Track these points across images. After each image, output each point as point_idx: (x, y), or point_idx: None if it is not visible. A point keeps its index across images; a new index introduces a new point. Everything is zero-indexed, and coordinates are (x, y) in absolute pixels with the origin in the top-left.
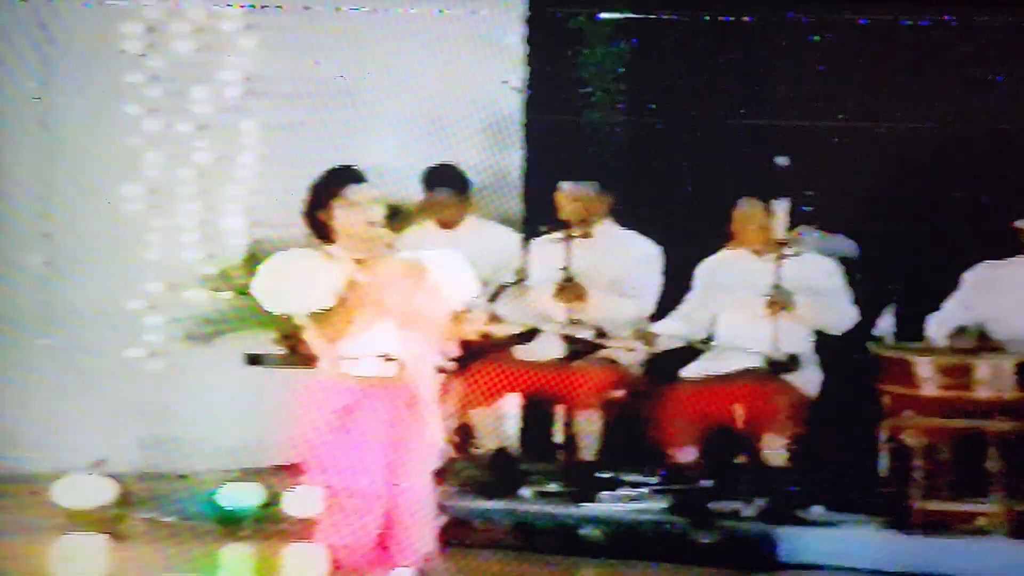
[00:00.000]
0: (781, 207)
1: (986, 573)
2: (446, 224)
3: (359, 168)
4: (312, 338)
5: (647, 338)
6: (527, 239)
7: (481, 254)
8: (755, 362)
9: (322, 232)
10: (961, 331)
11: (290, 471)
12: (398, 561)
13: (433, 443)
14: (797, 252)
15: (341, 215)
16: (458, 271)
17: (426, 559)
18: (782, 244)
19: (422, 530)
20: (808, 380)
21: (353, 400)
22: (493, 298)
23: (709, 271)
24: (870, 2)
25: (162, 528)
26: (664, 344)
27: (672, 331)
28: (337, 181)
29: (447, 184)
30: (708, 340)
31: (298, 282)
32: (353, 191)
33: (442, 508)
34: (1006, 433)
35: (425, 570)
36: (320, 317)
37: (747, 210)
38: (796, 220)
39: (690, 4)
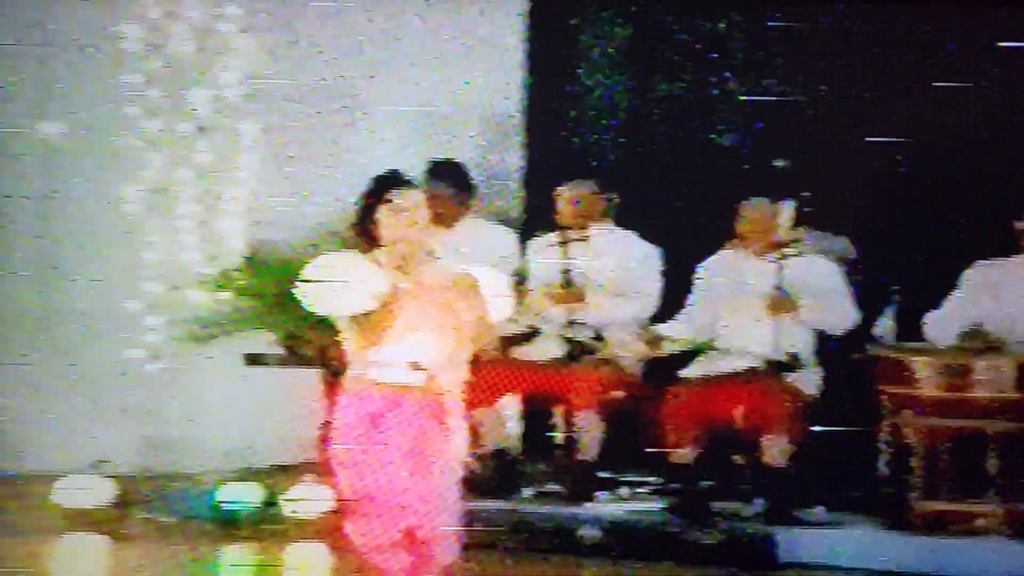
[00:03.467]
0: (784, 207)
1: (986, 573)
2: (444, 222)
3: (405, 173)
4: (348, 342)
5: (654, 342)
6: (526, 240)
7: (478, 254)
8: (755, 362)
9: (368, 237)
10: (961, 331)
11: (291, 471)
12: (423, 568)
13: (458, 453)
14: (798, 252)
15: (385, 220)
16: (496, 289)
17: (450, 566)
18: (783, 244)
19: (447, 538)
20: (808, 380)
21: (381, 407)
22: None
23: (709, 271)
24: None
25: (162, 528)
26: (669, 348)
27: (677, 334)
28: (383, 186)
29: (448, 179)
30: (711, 342)
31: (340, 284)
32: (398, 196)
33: (467, 515)
34: (1006, 433)
35: None
36: (358, 320)
37: (753, 210)
38: (797, 221)
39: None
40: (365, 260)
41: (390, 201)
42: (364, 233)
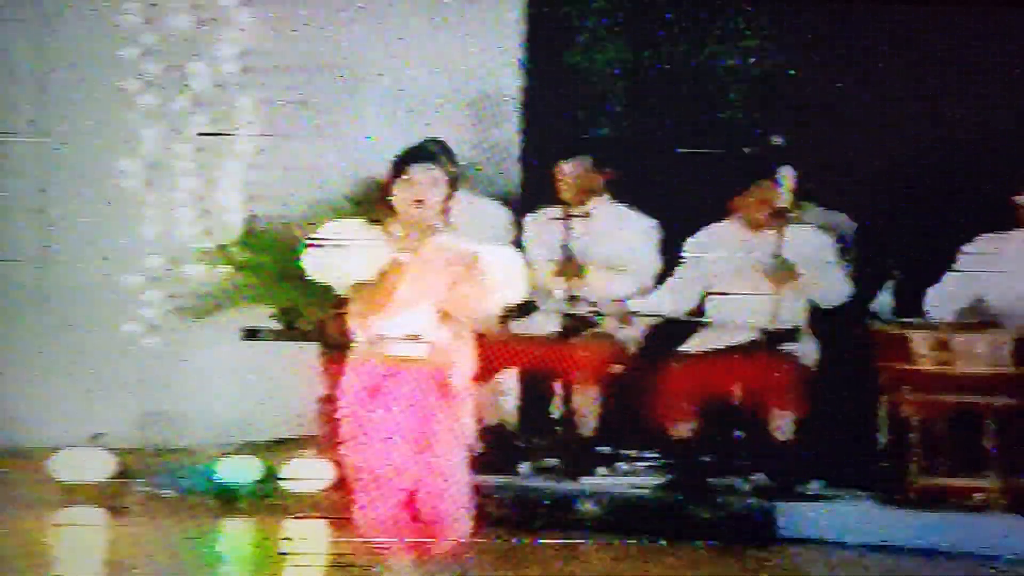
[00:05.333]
0: (783, 180)
1: (983, 548)
2: None
3: (432, 147)
4: (351, 313)
5: (624, 317)
6: (524, 215)
7: (471, 230)
8: (754, 335)
9: (384, 209)
10: (960, 306)
11: (289, 446)
12: (432, 542)
13: (465, 429)
14: (793, 222)
15: (396, 192)
16: (510, 270)
17: (460, 542)
18: (780, 217)
19: (454, 513)
20: (807, 353)
21: (382, 378)
22: None
23: (699, 244)
24: None
25: (160, 502)
26: (647, 321)
27: (657, 307)
28: (404, 159)
29: None
30: (700, 314)
31: (340, 252)
32: (413, 170)
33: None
34: (1004, 408)
35: (458, 552)
36: (357, 290)
37: (753, 184)
38: (796, 195)
39: None
40: (368, 230)
41: (404, 174)
42: (381, 204)
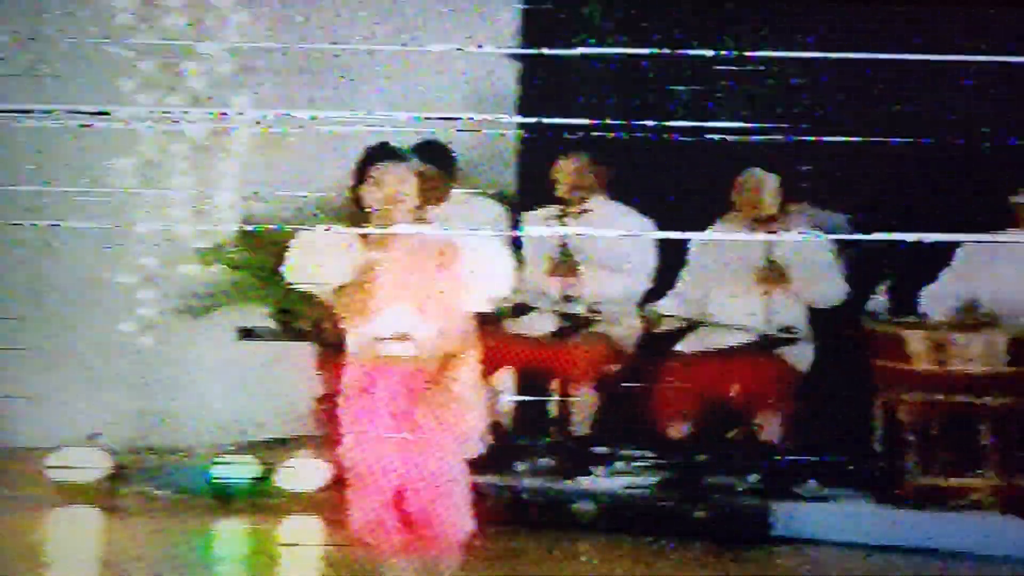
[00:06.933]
0: (776, 180)
1: (978, 548)
2: (430, 199)
3: (396, 145)
4: (339, 316)
5: (653, 319)
6: (521, 213)
7: (467, 228)
8: (749, 337)
9: (357, 210)
10: (955, 306)
11: (285, 445)
12: (428, 544)
13: (463, 427)
14: (789, 226)
15: (368, 192)
16: (495, 262)
17: (461, 543)
18: (774, 218)
19: (450, 514)
20: (802, 355)
21: (370, 379)
22: None
23: (703, 245)
24: None
25: (156, 502)
26: (666, 325)
27: (670, 311)
28: (370, 158)
29: (431, 158)
30: (704, 317)
31: (318, 257)
32: (380, 169)
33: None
34: (999, 408)
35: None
36: (339, 293)
37: (749, 181)
38: (791, 195)
39: None
40: (344, 232)
41: (373, 174)
42: (355, 203)
